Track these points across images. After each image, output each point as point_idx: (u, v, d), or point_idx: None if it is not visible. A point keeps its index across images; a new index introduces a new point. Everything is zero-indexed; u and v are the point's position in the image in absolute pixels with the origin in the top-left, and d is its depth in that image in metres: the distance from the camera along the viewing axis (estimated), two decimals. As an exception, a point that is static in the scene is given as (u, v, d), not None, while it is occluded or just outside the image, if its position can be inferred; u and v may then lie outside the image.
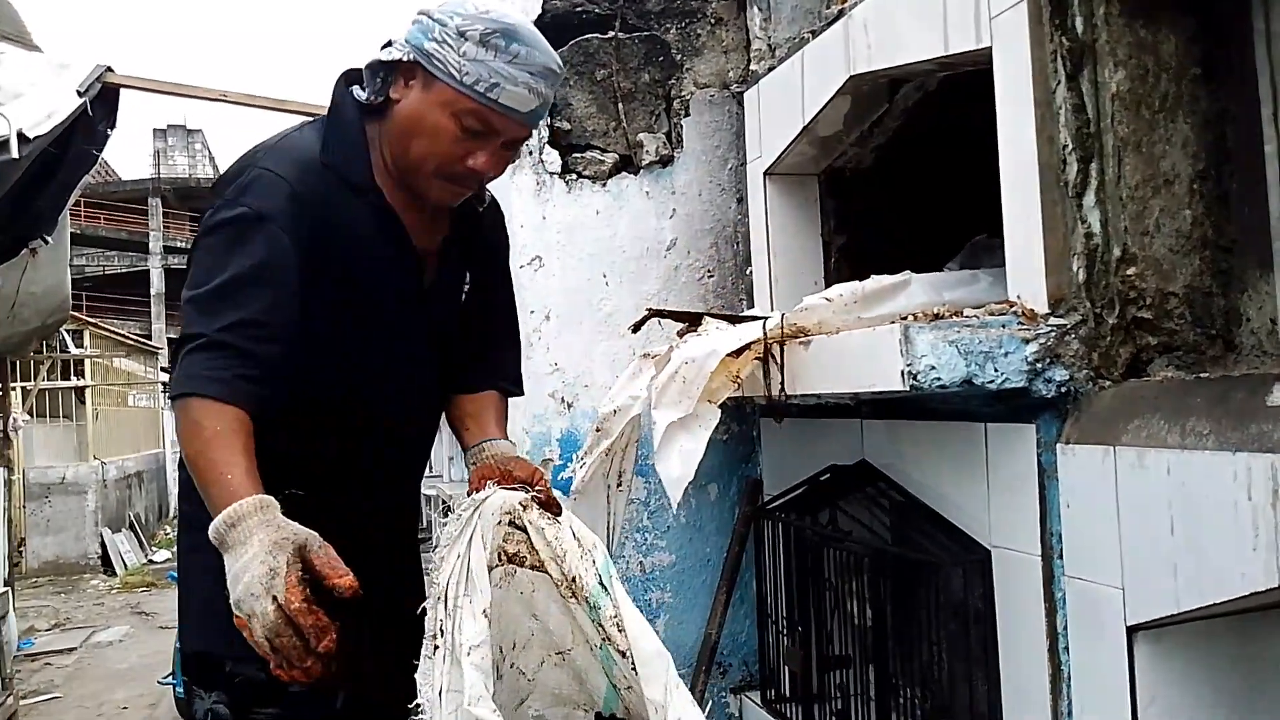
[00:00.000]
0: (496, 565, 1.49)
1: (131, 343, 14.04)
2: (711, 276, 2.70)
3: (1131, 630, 1.44)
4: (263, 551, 1.21)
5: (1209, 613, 1.40)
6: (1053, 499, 1.58)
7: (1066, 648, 1.57)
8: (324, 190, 1.44)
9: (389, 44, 1.51)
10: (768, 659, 2.48)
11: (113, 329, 13.04)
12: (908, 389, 1.57)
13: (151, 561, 11.43)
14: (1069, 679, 1.57)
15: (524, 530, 1.47)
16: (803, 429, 2.41)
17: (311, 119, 1.55)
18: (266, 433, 1.39)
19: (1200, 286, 1.60)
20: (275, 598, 1.17)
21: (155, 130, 30.86)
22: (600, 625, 1.41)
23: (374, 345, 1.55)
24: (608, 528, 2.34)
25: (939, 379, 1.56)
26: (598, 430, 2.39)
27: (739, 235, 2.70)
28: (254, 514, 1.25)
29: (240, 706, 1.59)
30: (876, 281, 1.91)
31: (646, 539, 2.61)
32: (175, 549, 1.70)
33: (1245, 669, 1.50)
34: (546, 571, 1.47)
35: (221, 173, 1.49)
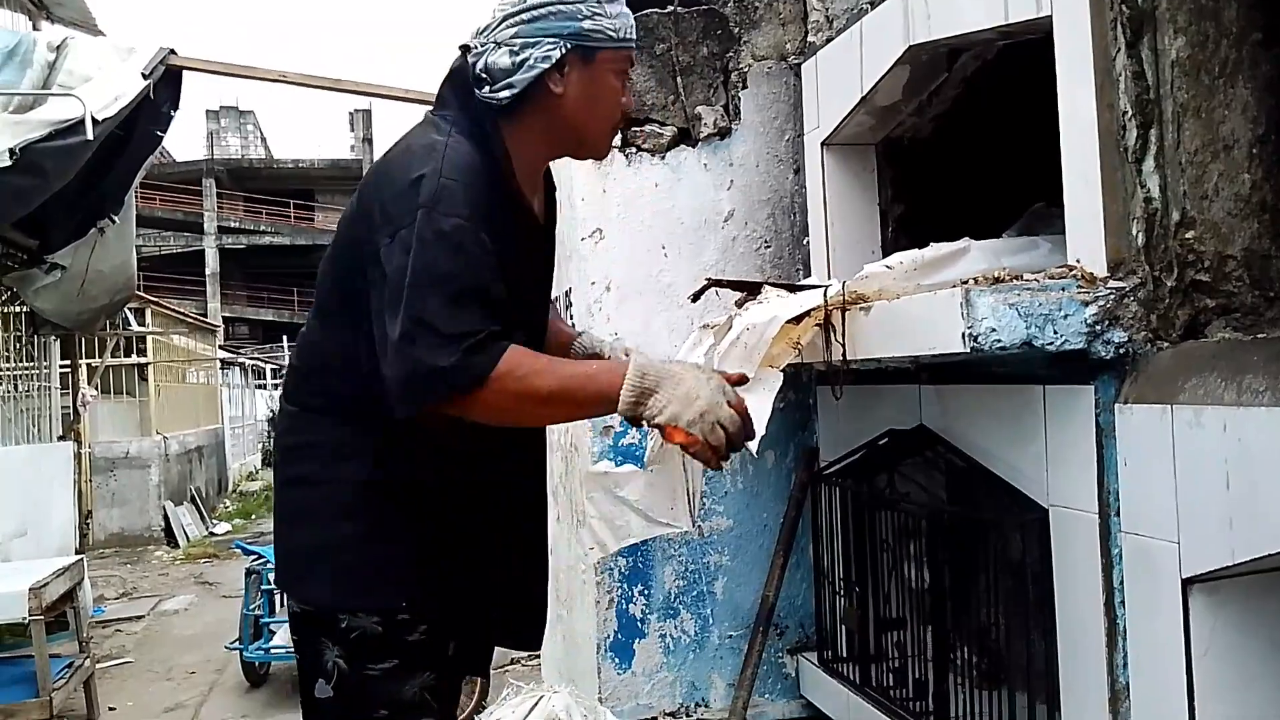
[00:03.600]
0: None
1: (192, 321, 14.36)
2: (769, 247, 2.75)
3: (1187, 583, 1.48)
4: (701, 376, 1.49)
5: (1265, 565, 1.44)
6: (1110, 458, 1.62)
7: (1122, 602, 1.61)
8: (487, 191, 1.55)
9: (487, 43, 1.57)
10: (824, 620, 2.55)
11: (172, 308, 13.34)
12: (968, 351, 1.61)
13: (212, 534, 11.74)
14: (1124, 633, 1.61)
15: None
16: (859, 397, 2.46)
17: (438, 115, 1.62)
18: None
19: (1258, 249, 1.62)
20: (729, 401, 1.47)
21: (208, 112, 31.38)
22: None
23: (519, 319, 1.63)
24: (688, 492, 2.37)
25: (999, 341, 1.60)
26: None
27: (796, 206, 2.74)
28: (654, 363, 1.51)
29: (354, 660, 1.68)
30: (936, 249, 1.95)
31: (705, 504, 2.68)
32: (280, 504, 1.77)
33: (1300, 621, 1.53)
34: None
35: (392, 178, 1.55)
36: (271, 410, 20.61)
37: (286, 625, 5.39)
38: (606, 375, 1.52)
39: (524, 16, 1.54)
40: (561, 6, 1.54)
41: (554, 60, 1.53)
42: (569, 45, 1.53)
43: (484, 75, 1.57)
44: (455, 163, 1.52)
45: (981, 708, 1.85)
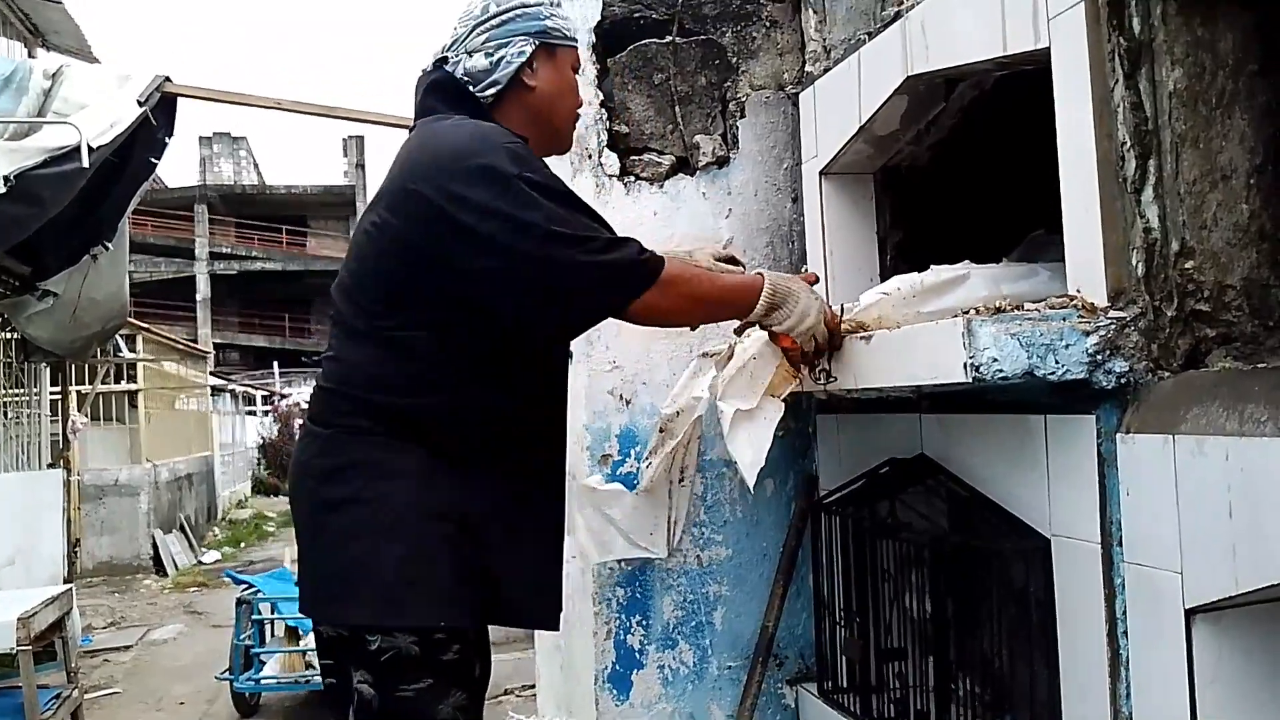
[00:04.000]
0: None
1: (183, 347, 14.32)
2: (766, 275, 2.76)
3: (1190, 613, 1.48)
4: (811, 297, 1.86)
5: (1269, 595, 1.44)
6: (1112, 487, 1.62)
7: (1125, 632, 1.61)
8: None
9: (459, 53, 1.76)
10: (824, 650, 2.53)
11: (163, 334, 13.31)
12: (970, 381, 1.61)
13: (201, 562, 11.66)
14: (1127, 662, 1.61)
15: None
16: (860, 425, 2.46)
17: (446, 118, 1.74)
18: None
19: (1258, 278, 1.63)
20: (824, 315, 1.90)
21: (201, 138, 31.48)
22: None
23: None
24: (669, 521, 2.39)
25: (1001, 371, 1.60)
26: (661, 431, 2.47)
27: (794, 234, 2.75)
28: (780, 281, 1.83)
29: (385, 685, 1.67)
30: (935, 274, 1.95)
31: (704, 533, 2.67)
32: (314, 527, 1.75)
33: (1304, 652, 1.53)
34: None
35: (449, 157, 1.67)
36: (263, 437, 20.54)
37: (277, 655, 5.36)
38: (747, 287, 1.83)
39: (493, 22, 1.74)
40: (525, 9, 1.76)
41: (526, 55, 1.74)
42: (536, 42, 1.75)
43: (465, 80, 1.76)
44: (504, 132, 1.69)
45: (984, 739, 1.84)
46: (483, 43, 1.74)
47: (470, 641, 1.76)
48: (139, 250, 27.93)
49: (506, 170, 1.61)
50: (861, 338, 1.95)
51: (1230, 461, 1.41)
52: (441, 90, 1.77)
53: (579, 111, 1.89)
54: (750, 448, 2.01)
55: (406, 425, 1.72)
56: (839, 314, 1.97)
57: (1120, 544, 1.61)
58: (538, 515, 1.83)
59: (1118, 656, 1.62)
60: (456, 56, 1.77)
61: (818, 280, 1.96)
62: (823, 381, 2.03)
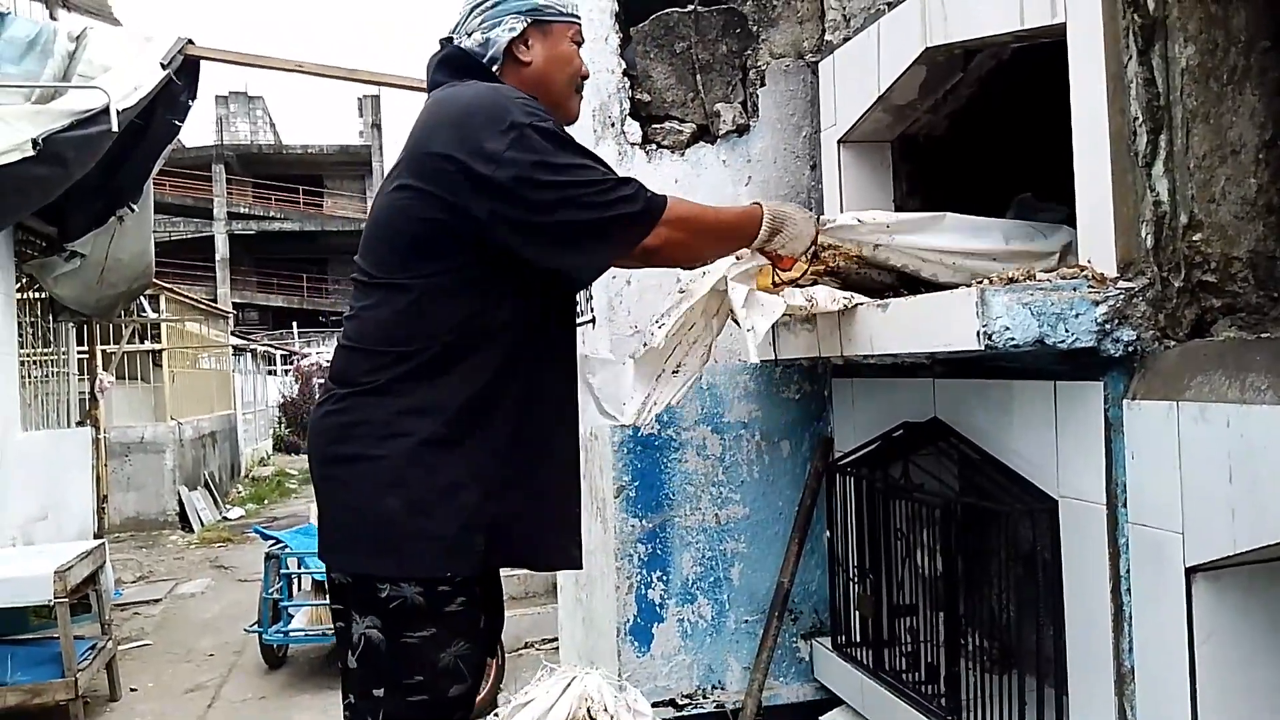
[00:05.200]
0: None
1: (205, 307, 14.46)
2: (785, 242, 2.81)
3: (1190, 571, 1.55)
4: (805, 218, 2.00)
5: (1266, 555, 1.50)
6: (1118, 451, 1.69)
7: (1128, 589, 1.68)
8: None
9: (461, 35, 1.88)
10: (838, 606, 2.62)
11: (185, 294, 13.44)
12: (983, 348, 1.67)
13: (226, 519, 11.86)
14: (1130, 618, 1.68)
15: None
16: (874, 389, 2.53)
17: (456, 85, 1.85)
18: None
19: (1264, 251, 1.68)
20: (814, 220, 2.02)
21: (217, 97, 31.41)
22: None
23: None
24: (646, 398, 2.32)
25: (1013, 339, 1.66)
26: (681, 291, 2.35)
27: (813, 201, 2.80)
28: (777, 209, 1.97)
29: (392, 631, 1.78)
30: (911, 214, 2.05)
31: (721, 493, 2.75)
32: (327, 480, 1.85)
33: (1301, 609, 1.60)
34: None
35: (470, 112, 1.78)
36: (283, 396, 20.75)
37: (304, 609, 5.50)
38: (749, 217, 1.98)
39: (486, 5, 1.86)
40: None
41: (517, 32, 1.85)
42: (528, 20, 1.86)
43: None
44: (513, 89, 1.82)
45: (992, 691, 1.92)
46: (479, 24, 1.87)
47: (475, 595, 1.86)
48: (157, 210, 27.94)
49: (519, 120, 1.72)
50: (878, 305, 2.01)
51: (1231, 428, 1.47)
52: (449, 64, 1.89)
53: (582, 82, 1.97)
54: (763, 318, 2.05)
55: (420, 378, 1.80)
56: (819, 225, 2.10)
57: (1125, 505, 1.68)
58: (551, 458, 1.92)
59: (1121, 613, 1.70)
60: (459, 39, 1.89)
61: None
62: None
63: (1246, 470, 1.45)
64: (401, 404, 1.80)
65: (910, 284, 2.23)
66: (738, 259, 2.08)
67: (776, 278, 2.18)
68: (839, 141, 2.62)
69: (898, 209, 2.62)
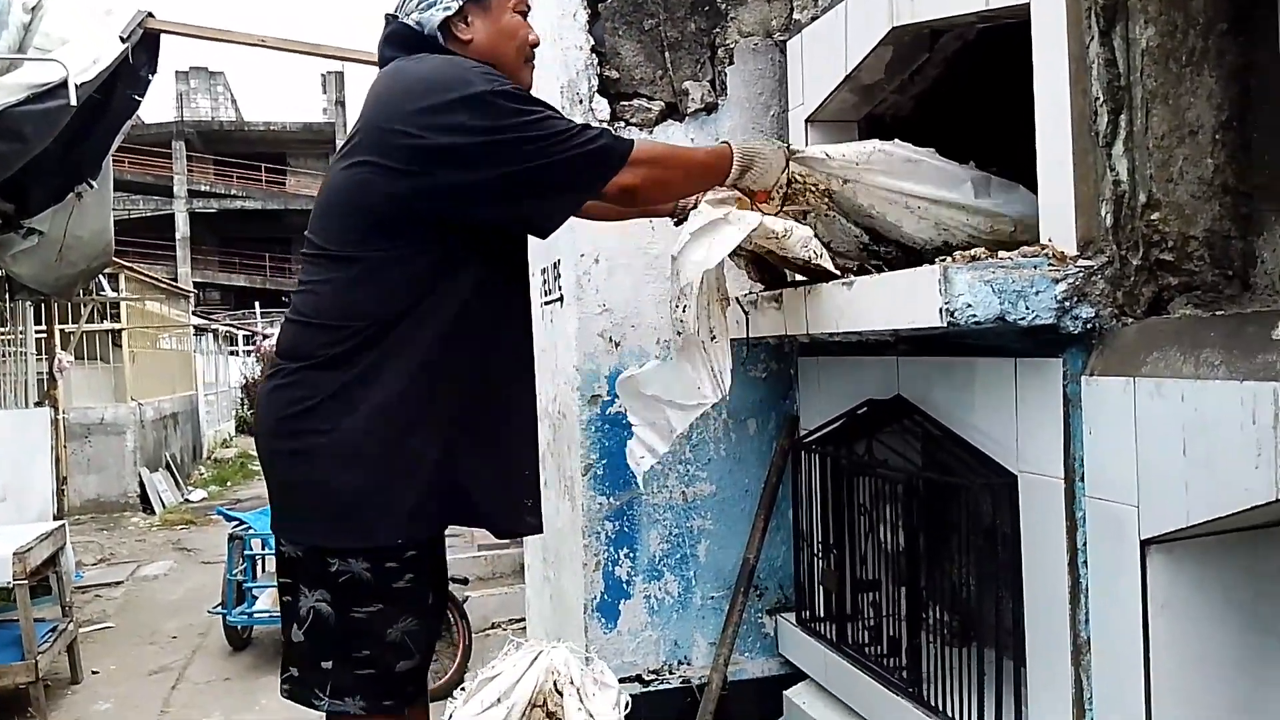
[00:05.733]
0: (539, 707, 1.70)
1: (165, 286, 14.25)
2: (752, 221, 2.82)
3: (1145, 543, 1.58)
4: (773, 150, 2.07)
5: (1218, 527, 1.54)
6: (1076, 426, 1.72)
7: (1085, 562, 1.72)
8: None
9: (402, 15, 1.89)
10: (802, 582, 2.65)
11: (145, 273, 13.23)
12: (945, 325, 1.69)
13: (188, 500, 11.75)
14: (1086, 590, 1.72)
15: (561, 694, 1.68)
16: (839, 368, 2.55)
17: (407, 59, 1.87)
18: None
19: (1220, 230, 1.71)
20: (783, 151, 2.09)
21: (178, 73, 30.91)
22: None
23: None
24: (712, 371, 2.32)
25: (974, 316, 1.69)
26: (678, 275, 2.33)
27: (779, 182, 2.81)
28: (747, 147, 2.03)
29: (341, 605, 1.78)
30: (885, 150, 2.14)
31: (689, 470, 2.76)
32: (279, 454, 1.85)
33: (1256, 581, 1.64)
34: None
35: (428, 82, 1.79)
36: (245, 377, 20.53)
37: (268, 590, 5.47)
38: (719, 156, 2.03)
39: None
40: None
41: (452, 11, 1.86)
42: (461, 2, 1.86)
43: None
44: (465, 59, 1.83)
45: (952, 663, 1.95)
46: (416, 6, 1.88)
47: (423, 571, 1.87)
48: (116, 187, 27.52)
49: (479, 89, 1.73)
50: (843, 283, 2.03)
51: (1186, 403, 1.51)
52: (399, 39, 1.90)
53: (532, 51, 1.99)
54: (707, 251, 2.03)
55: (376, 349, 1.80)
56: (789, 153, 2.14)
57: (1082, 479, 1.71)
58: (509, 422, 1.95)
59: (1078, 585, 1.73)
60: (403, 19, 1.91)
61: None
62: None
63: (1200, 444, 1.48)
64: (357, 376, 1.80)
65: (879, 240, 2.26)
66: (712, 199, 2.10)
67: (764, 208, 2.19)
68: (806, 121, 2.63)
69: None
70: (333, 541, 1.79)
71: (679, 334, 2.19)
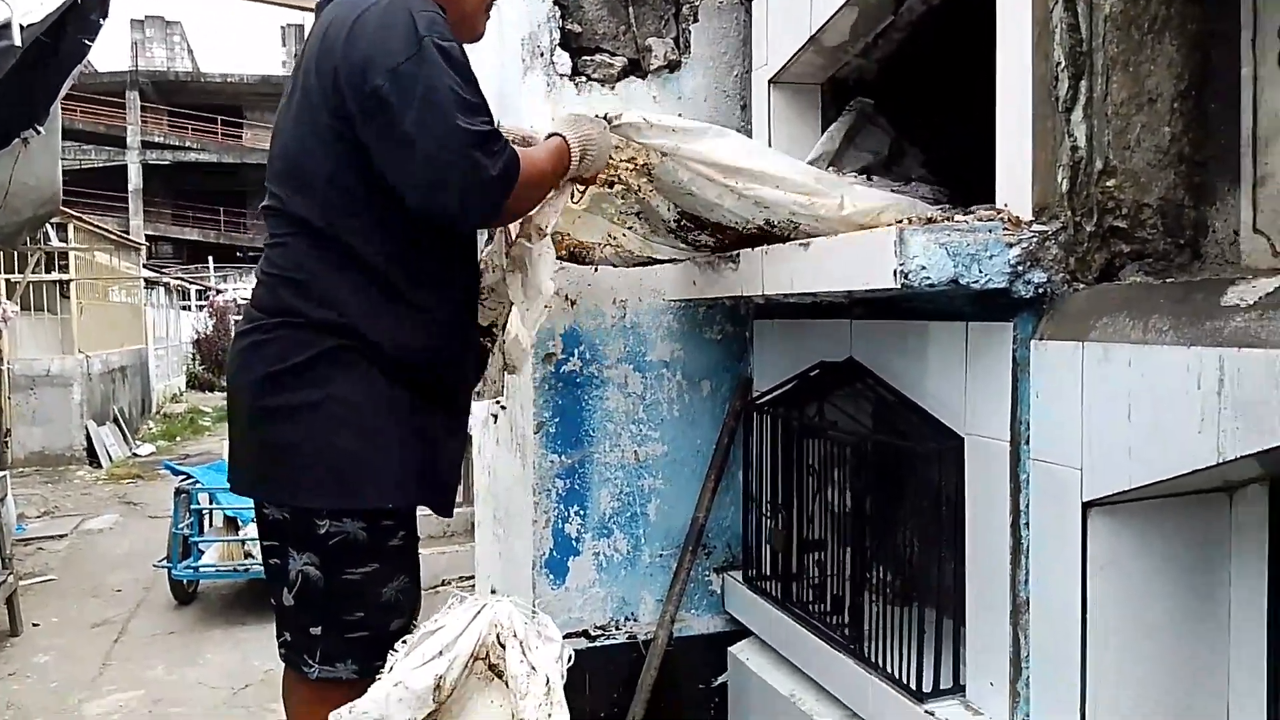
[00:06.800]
0: (481, 660, 1.69)
1: (115, 238, 13.94)
2: (712, 182, 2.80)
3: (1087, 506, 1.61)
4: (600, 131, 2.05)
5: (1160, 491, 1.57)
6: (1024, 390, 1.73)
7: (1027, 524, 1.74)
8: None
9: None
10: (750, 541, 2.66)
11: (94, 224, 12.92)
12: (899, 287, 1.69)
13: (136, 455, 11.58)
14: (1028, 551, 1.74)
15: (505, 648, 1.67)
16: (793, 330, 2.55)
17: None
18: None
19: (1174, 199, 1.73)
20: (606, 128, 2.07)
21: (132, 20, 30.16)
22: None
23: None
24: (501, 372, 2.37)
25: (928, 278, 1.69)
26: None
27: (745, 133, 2.79)
28: (580, 135, 2.01)
29: (331, 567, 1.75)
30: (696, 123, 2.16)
31: (641, 430, 2.76)
32: (266, 413, 1.80)
33: (1195, 545, 1.67)
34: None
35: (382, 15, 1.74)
36: (197, 332, 20.20)
37: (215, 545, 5.41)
38: (561, 153, 1.98)
39: None
40: None
41: None
42: None
43: None
44: (426, 3, 1.75)
45: (893, 622, 1.97)
46: None
47: (414, 528, 1.87)
48: (66, 136, 26.77)
49: (419, 32, 1.68)
50: (800, 244, 2.02)
51: (1132, 367, 1.52)
52: None
53: (492, 1, 1.98)
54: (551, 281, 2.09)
55: (361, 309, 1.78)
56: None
57: (1028, 443, 1.73)
58: (456, 400, 1.99)
59: (1019, 546, 1.75)
60: None
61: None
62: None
63: (1145, 409, 1.50)
64: (345, 337, 1.77)
65: (693, 222, 2.29)
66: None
67: (575, 195, 2.21)
68: (769, 82, 2.61)
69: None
70: (329, 503, 1.75)
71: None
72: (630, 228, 2.36)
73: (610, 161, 2.13)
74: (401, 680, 1.60)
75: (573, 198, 2.22)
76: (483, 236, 2.29)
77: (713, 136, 2.12)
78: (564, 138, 1.98)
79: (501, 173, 1.72)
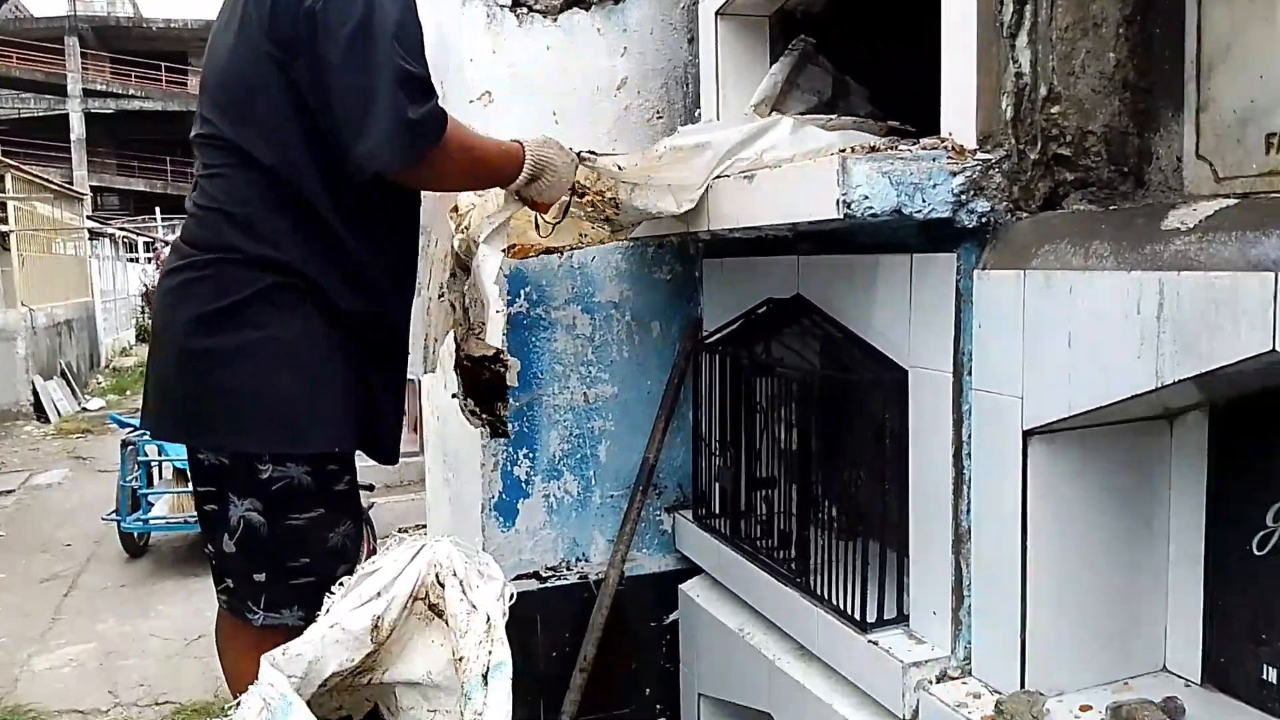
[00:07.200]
0: (420, 600, 1.66)
1: (57, 188, 13.55)
2: (661, 118, 2.75)
3: (1027, 434, 1.61)
4: (567, 161, 1.99)
5: (1099, 418, 1.57)
6: (967, 321, 1.72)
7: (969, 454, 1.74)
8: None
9: None
10: (700, 480, 2.66)
11: (33, 173, 12.54)
12: (842, 217, 1.67)
13: (85, 409, 11.37)
14: (969, 481, 1.74)
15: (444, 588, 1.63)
16: (742, 269, 2.52)
17: None
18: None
19: (1118, 126, 1.71)
20: (575, 164, 2.01)
21: (68, -37, 28.98)
22: (462, 714, 1.56)
23: None
24: (429, 339, 2.35)
25: (871, 208, 1.66)
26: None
27: (690, 76, 2.74)
28: (539, 152, 1.93)
29: (275, 513, 1.71)
30: (680, 137, 2.15)
31: (591, 372, 2.73)
32: (200, 356, 1.72)
33: (1135, 473, 1.68)
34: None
35: None
36: (145, 285, 19.79)
37: (165, 497, 5.33)
38: (512, 156, 1.90)
39: None
40: None
41: None
42: None
43: None
44: None
45: (838, 555, 1.98)
46: None
47: (355, 473, 1.84)
48: (3, 85, 25.91)
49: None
50: (744, 176, 1.99)
51: (1073, 294, 1.51)
52: None
53: None
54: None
55: (300, 246, 1.73)
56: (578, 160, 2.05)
57: (970, 373, 1.72)
58: (399, 359, 1.95)
59: (961, 476, 1.76)
60: None
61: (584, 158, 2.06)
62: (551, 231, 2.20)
63: (1084, 335, 1.50)
64: (284, 275, 1.71)
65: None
66: (490, 213, 2.02)
67: (541, 226, 2.15)
68: (716, 14, 2.55)
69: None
70: (272, 447, 1.70)
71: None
72: (600, 227, 2.30)
73: (584, 193, 2.09)
74: (338, 622, 1.58)
75: (539, 229, 2.18)
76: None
77: (685, 153, 2.09)
78: (522, 146, 1.91)
79: (425, 118, 1.64)
